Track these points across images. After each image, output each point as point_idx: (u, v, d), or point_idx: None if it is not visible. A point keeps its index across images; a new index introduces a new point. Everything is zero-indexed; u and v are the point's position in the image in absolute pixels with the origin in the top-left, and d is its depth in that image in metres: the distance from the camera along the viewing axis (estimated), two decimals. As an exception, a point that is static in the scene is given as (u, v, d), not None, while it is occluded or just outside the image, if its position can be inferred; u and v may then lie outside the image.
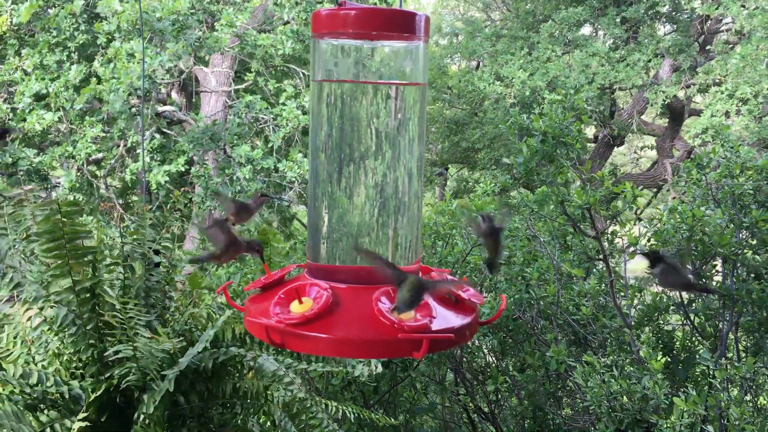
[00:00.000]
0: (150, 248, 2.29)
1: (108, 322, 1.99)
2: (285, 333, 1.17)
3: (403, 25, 1.25)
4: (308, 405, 2.28)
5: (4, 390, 1.77)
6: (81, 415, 1.82)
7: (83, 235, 2.00)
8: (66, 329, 2.05)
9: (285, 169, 7.73)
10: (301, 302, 1.22)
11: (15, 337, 2.21)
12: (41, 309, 2.10)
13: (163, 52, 7.08)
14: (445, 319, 1.23)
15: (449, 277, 1.41)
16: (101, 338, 2.08)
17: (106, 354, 2.03)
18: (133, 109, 7.67)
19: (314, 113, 1.32)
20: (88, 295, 2.08)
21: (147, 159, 7.82)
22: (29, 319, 2.13)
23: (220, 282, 3.36)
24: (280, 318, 1.19)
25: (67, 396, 1.90)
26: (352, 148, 1.28)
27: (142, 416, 1.92)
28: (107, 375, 2.04)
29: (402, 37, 1.28)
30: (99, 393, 1.93)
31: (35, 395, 1.90)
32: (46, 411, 1.97)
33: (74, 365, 2.11)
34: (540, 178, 2.70)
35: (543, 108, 2.78)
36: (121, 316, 1.96)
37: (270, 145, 8.08)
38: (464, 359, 3.70)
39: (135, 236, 2.33)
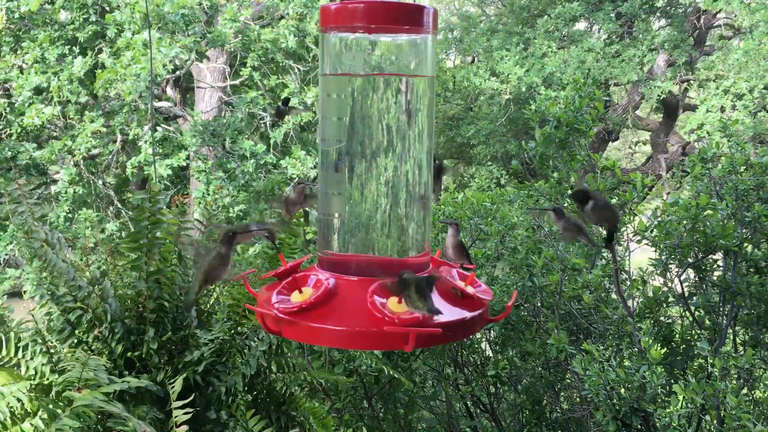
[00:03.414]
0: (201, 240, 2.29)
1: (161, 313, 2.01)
2: (280, 321, 1.20)
3: (412, 18, 1.26)
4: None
5: (92, 393, 1.75)
6: (177, 403, 1.84)
7: (164, 226, 2.04)
8: (113, 324, 2.04)
9: (287, 165, 7.82)
10: (301, 292, 1.24)
11: (17, 343, 2.15)
12: (64, 311, 2.06)
13: (175, 44, 7.16)
14: (442, 313, 1.20)
15: (458, 270, 1.38)
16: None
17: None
18: (133, 104, 7.71)
19: (323, 107, 1.32)
20: (155, 285, 2.10)
21: (149, 151, 7.86)
22: (50, 320, 2.11)
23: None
24: (277, 306, 1.21)
25: (153, 389, 1.92)
26: (361, 142, 1.29)
27: (225, 396, 1.98)
28: (178, 362, 2.06)
29: (410, 30, 1.28)
30: (181, 379, 1.94)
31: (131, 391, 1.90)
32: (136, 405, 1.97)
33: (116, 362, 2.09)
34: (553, 165, 2.70)
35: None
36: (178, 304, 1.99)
37: (272, 140, 8.15)
38: (463, 352, 3.71)
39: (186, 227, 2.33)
